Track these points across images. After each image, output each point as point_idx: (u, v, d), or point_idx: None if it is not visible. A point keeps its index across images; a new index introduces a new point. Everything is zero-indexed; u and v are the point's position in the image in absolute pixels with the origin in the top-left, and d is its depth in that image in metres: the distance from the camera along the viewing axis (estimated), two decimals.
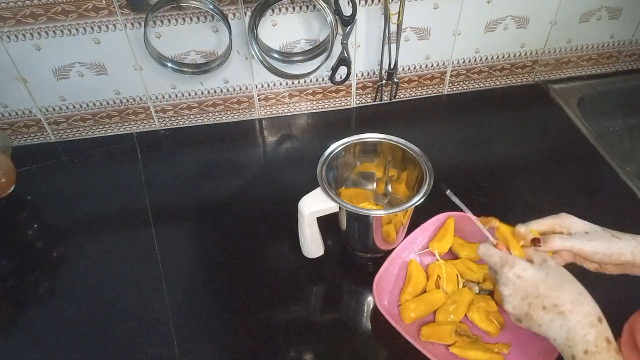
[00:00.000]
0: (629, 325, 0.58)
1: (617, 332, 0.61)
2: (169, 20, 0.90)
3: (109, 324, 0.74)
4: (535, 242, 0.59)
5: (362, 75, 1.06)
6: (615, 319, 0.58)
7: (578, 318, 0.50)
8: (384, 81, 1.06)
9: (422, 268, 0.77)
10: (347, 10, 0.89)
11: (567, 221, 0.61)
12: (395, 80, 1.05)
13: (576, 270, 0.57)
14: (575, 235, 0.59)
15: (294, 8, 0.92)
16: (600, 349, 0.49)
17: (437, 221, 0.80)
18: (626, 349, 0.57)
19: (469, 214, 0.64)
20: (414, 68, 1.08)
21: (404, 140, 0.77)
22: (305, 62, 0.99)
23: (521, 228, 0.60)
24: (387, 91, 1.10)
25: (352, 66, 1.02)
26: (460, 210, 0.65)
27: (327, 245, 0.79)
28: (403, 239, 0.77)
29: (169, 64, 0.94)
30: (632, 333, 0.57)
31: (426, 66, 1.08)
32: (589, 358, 0.49)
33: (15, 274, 0.81)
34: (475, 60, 1.10)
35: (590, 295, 0.53)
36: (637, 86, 1.18)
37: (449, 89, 1.15)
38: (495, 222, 0.63)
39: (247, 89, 1.04)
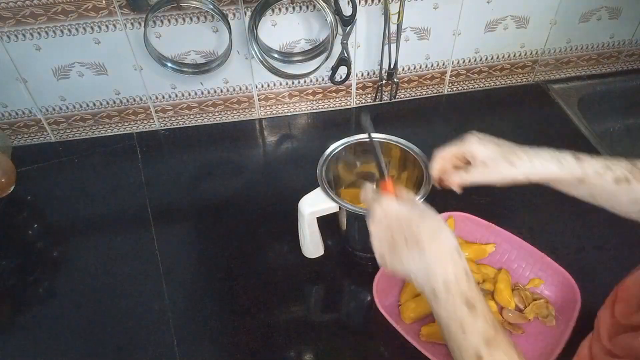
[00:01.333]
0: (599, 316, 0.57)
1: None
2: (169, 20, 0.90)
3: (109, 324, 0.74)
4: (440, 181, 0.65)
5: (362, 75, 1.06)
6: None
7: (436, 251, 0.49)
8: (384, 81, 1.06)
9: None
10: (347, 10, 0.89)
11: (470, 148, 0.63)
12: (395, 80, 1.05)
13: None
14: (472, 169, 0.62)
15: (294, 8, 0.92)
16: (460, 279, 0.47)
17: None
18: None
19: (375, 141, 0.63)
20: (414, 68, 1.08)
21: (404, 140, 0.77)
22: (305, 62, 0.99)
23: (434, 164, 0.65)
24: (387, 91, 1.10)
25: (352, 66, 1.02)
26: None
27: (327, 245, 0.79)
28: None
29: (169, 64, 0.94)
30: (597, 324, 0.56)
31: (426, 66, 1.08)
32: (450, 291, 0.47)
33: (15, 274, 0.81)
34: (475, 60, 1.10)
35: (451, 230, 0.52)
36: (637, 86, 1.18)
37: (449, 89, 1.15)
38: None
39: (247, 89, 1.04)
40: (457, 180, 0.63)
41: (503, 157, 0.61)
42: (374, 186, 0.61)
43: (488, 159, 0.61)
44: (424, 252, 0.49)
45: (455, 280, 0.47)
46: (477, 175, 0.61)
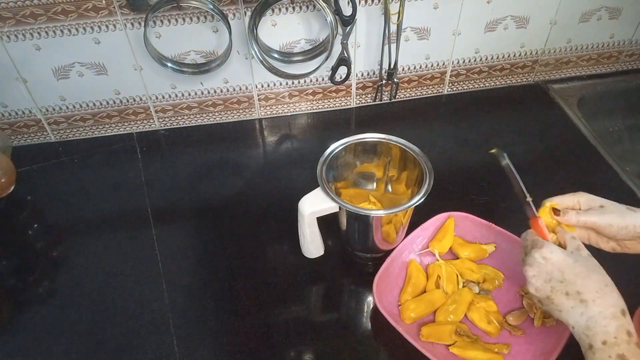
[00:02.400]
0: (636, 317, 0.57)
1: None
2: (169, 20, 0.90)
3: (109, 324, 0.74)
4: (555, 211, 0.60)
5: (362, 75, 1.06)
6: None
7: (600, 308, 0.49)
8: (384, 81, 1.06)
9: (422, 268, 0.77)
10: (347, 10, 0.89)
11: (584, 197, 0.61)
12: (395, 80, 1.05)
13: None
14: (590, 210, 0.59)
15: (294, 8, 0.92)
16: (620, 341, 0.48)
17: (437, 221, 0.80)
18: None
19: (528, 199, 0.62)
20: (414, 68, 1.08)
21: (404, 140, 0.77)
22: (305, 62, 0.99)
23: (546, 202, 0.61)
24: (387, 91, 1.10)
25: (352, 66, 1.02)
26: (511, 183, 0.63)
27: (327, 245, 0.79)
28: (403, 239, 0.77)
29: (169, 64, 0.94)
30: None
31: (426, 66, 1.08)
32: (607, 349, 0.48)
33: (15, 274, 0.81)
34: (475, 60, 1.10)
35: (617, 290, 0.51)
36: (637, 86, 1.18)
37: (449, 89, 1.15)
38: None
39: (247, 89, 1.04)
40: (573, 219, 0.59)
41: (622, 205, 0.60)
42: (533, 231, 0.60)
43: (606, 203, 0.60)
44: (587, 307, 0.50)
45: (615, 339, 0.48)
46: (596, 215, 0.59)
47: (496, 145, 0.65)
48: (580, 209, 0.61)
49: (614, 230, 0.58)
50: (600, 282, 0.51)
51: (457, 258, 0.79)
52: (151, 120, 1.05)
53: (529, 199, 0.61)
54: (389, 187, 0.83)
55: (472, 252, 0.78)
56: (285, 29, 0.95)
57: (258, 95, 1.06)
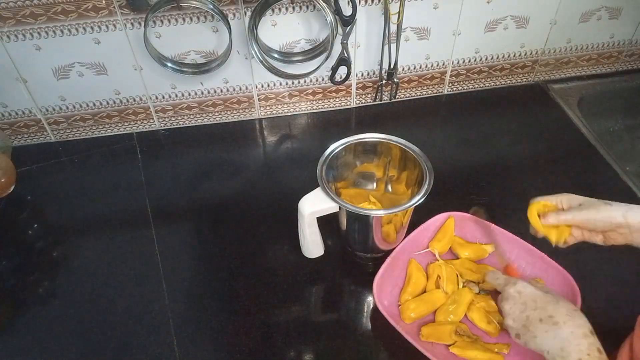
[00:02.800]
0: (629, 340, 0.58)
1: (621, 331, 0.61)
2: (169, 20, 0.90)
3: (109, 324, 0.74)
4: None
5: (362, 75, 1.06)
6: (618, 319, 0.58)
7: (572, 329, 0.53)
8: (384, 81, 1.06)
9: (422, 268, 0.77)
10: (347, 10, 0.89)
11: (566, 197, 0.66)
12: (395, 80, 1.05)
13: None
14: (570, 209, 0.64)
15: (294, 8, 0.92)
16: (593, 358, 0.51)
17: (437, 221, 0.80)
18: (638, 341, 0.57)
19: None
20: (414, 68, 1.08)
21: (404, 140, 0.77)
22: (305, 62, 0.99)
23: (532, 202, 0.67)
24: (387, 91, 1.10)
25: (352, 66, 1.02)
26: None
27: (327, 245, 0.79)
28: (403, 239, 0.77)
29: (169, 64, 0.94)
30: (630, 349, 0.57)
31: (426, 66, 1.08)
32: None
33: (15, 274, 0.81)
34: (475, 60, 1.10)
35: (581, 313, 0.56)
36: (637, 86, 1.18)
37: (449, 89, 1.15)
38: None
39: (247, 89, 1.04)
40: (553, 219, 0.64)
41: (599, 201, 0.63)
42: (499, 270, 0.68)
43: (585, 202, 0.64)
44: (560, 329, 0.53)
45: (588, 356, 0.51)
46: (573, 213, 0.63)
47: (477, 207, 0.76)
48: (563, 208, 0.65)
49: (591, 224, 0.62)
50: (568, 307, 0.56)
51: (457, 258, 0.79)
52: (151, 120, 1.05)
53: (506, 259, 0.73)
54: (389, 187, 0.83)
55: (472, 252, 0.78)
56: (285, 29, 0.95)
57: (258, 95, 1.06)
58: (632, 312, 0.60)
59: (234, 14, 0.91)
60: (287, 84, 1.04)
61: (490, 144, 1.03)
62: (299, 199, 0.70)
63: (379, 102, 1.12)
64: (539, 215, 0.66)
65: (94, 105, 1.00)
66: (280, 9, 0.92)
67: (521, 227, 0.81)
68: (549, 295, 0.57)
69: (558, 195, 0.67)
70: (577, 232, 0.65)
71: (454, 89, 1.15)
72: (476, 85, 1.15)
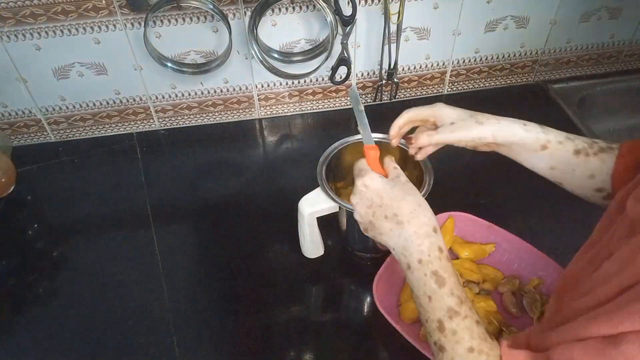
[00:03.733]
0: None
1: None
2: (169, 20, 0.90)
3: (109, 324, 0.74)
4: (408, 140, 0.67)
5: (362, 75, 1.06)
6: None
7: (414, 228, 0.52)
8: (384, 81, 1.06)
9: None
10: (347, 10, 0.89)
11: (439, 112, 0.65)
12: (395, 80, 1.05)
13: None
14: (441, 129, 0.64)
15: (294, 8, 0.92)
16: (433, 258, 0.51)
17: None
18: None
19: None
20: (414, 68, 1.08)
21: (404, 140, 0.77)
22: (305, 62, 0.99)
23: (399, 119, 0.67)
24: (387, 91, 1.10)
25: (352, 66, 1.02)
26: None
27: (327, 245, 0.79)
28: None
29: (169, 64, 0.94)
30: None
31: (426, 66, 1.08)
32: (422, 267, 0.51)
33: (15, 274, 0.81)
34: (475, 60, 1.10)
35: (430, 207, 0.55)
36: (637, 86, 1.18)
37: (449, 89, 1.15)
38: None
39: (247, 89, 1.04)
40: (425, 140, 0.64)
41: (471, 117, 0.64)
42: (365, 160, 0.63)
43: (457, 119, 0.64)
44: (403, 229, 0.53)
45: (428, 257, 0.51)
46: (445, 134, 0.63)
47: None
48: (434, 123, 0.66)
49: (463, 144, 0.63)
50: (413, 203, 0.54)
51: (457, 258, 0.79)
52: (151, 120, 1.05)
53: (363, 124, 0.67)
54: None
55: (472, 252, 0.78)
56: (285, 29, 0.95)
57: (258, 95, 1.06)
58: None
59: (234, 14, 0.91)
60: (287, 84, 1.04)
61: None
62: (299, 199, 0.70)
63: (379, 102, 1.12)
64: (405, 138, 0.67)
65: (94, 105, 1.00)
66: (280, 9, 0.92)
67: (521, 227, 0.81)
68: (395, 190, 0.56)
69: (432, 106, 0.66)
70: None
71: (454, 89, 1.15)
72: (476, 85, 1.15)
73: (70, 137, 1.05)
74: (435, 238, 0.52)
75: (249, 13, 0.90)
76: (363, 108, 0.67)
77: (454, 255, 0.79)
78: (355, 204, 0.58)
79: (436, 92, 1.14)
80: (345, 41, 0.94)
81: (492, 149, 0.64)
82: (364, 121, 0.67)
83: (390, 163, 0.62)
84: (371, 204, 0.56)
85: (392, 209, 0.54)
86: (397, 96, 1.11)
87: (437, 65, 1.09)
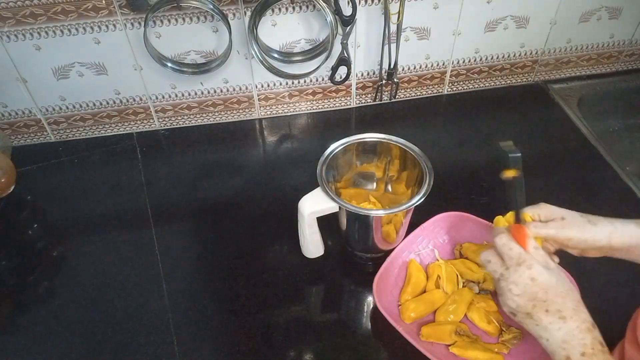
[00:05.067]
0: (632, 323, 0.58)
1: (617, 332, 0.61)
2: (169, 20, 0.90)
3: (109, 324, 0.74)
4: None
5: (362, 75, 1.06)
6: (615, 320, 0.58)
7: (577, 324, 0.53)
8: (384, 81, 1.06)
9: (422, 268, 0.77)
10: (347, 10, 0.89)
11: (544, 210, 0.62)
12: (395, 80, 1.05)
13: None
14: (551, 223, 0.61)
15: (294, 8, 0.92)
16: (597, 351, 0.51)
17: (437, 221, 0.80)
18: (630, 347, 0.57)
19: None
20: (414, 68, 1.08)
21: (404, 140, 0.77)
22: (305, 62, 0.99)
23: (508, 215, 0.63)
24: (387, 91, 1.10)
25: (352, 66, 1.02)
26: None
27: (327, 245, 0.79)
28: (403, 239, 0.77)
29: (169, 64, 0.94)
30: (634, 330, 0.57)
31: (426, 66, 1.08)
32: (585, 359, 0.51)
33: (15, 274, 0.81)
34: (475, 60, 1.10)
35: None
36: (637, 86, 1.18)
37: (449, 89, 1.15)
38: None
39: (247, 89, 1.04)
40: (532, 231, 0.59)
41: (582, 216, 0.61)
42: (518, 245, 0.57)
43: (567, 215, 0.61)
44: (565, 323, 0.53)
45: (592, 350, 0.51)
46: (557, 230, 0.60)
47: (507, 140, 0.62)
48: (540, 221, 0.62)
49: (573, 242, 0.60)
50: (575, 300, 0.55)
51: (457, 258, 0.79)
52: (151, 120, 1.05)
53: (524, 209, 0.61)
54: (389, 187, 0.83)
55: (475, 256, 0.77)
56: (285, 29, 0.95)
57: (258, 95, 1.06)
58: (631, 312, 0.60)
59: (234, 14, 0.91)
60: (287, 84, 1.04)
61: (490, 144, 1.03)
62: (299, 199, 0.70)
63: (379, 102, 1.12)
64: (508, 229, 0.60)
65: (94, 105, 1.00)
66: (280, 9, 0.92)
67: None
68: (559, 286, 0.55)
69: (535, 206, 0.63)
70: (552, 245, 0.62)
71: (454, 89, 1.15)
72: (476, 85, 1.15)
73: (70, 137, 1.05)
74: (596, 333, 0.53)
75: (249, 13, 0.90)
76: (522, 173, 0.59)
77: (453, 255, 0.79)
78: (516, 294, 0.56)
79: (436, 92, 1.14)
80: (345, 41, 0.94)
81: (604, 253, 0.61)
82: (522, 190, 0.60)
83: (530, 243, 0.58)
84: (534, 298, 0.55)
85: (556, 305, 0.54)
86: (397, 96, 1.11)
87: (437, 65, 1.09)
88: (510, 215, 0.63)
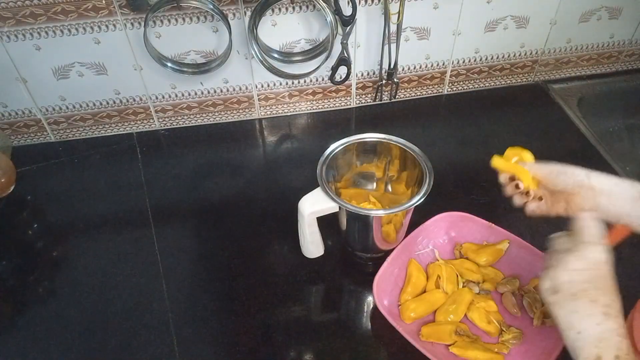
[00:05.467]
0: (628, 324, 0.58)
1: None
2: (169, 20, 0.90)
3: (109, 324, 0.74)
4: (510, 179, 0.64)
5: (362, 75, 1.06)
6: None
7: (618, 326, 0.51)
8: (383, 81, 1.06)
9: (422, 268, 0.77)
10: (347, 10, 0.89)
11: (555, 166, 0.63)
12: (395, 80, 1.05)
13: None
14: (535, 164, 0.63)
15: (294, 8, 0.92)
16: (631, 357, 0.49)
17: (437, 221, 0.80)
18: None
19: None
20: (414, 68, 1.08)
21: (404, 140, 0.77)
22: (305, 62, 0.99)
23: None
24: (387, 91, 1.10)
25: (352, 66, 1.02)
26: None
27: (327, 245, 0.79)
28: (403, 239, 0.77)
29: (169, 64, 0.94)
30: (630, 332, 0.57)
31: (426, 66, 1.08)
32: None
33: (15, 274, 0.81)
34: (475, 60, 1.10)
35: None
36: (637, 86, 1.18)
37: (449, 89, 1.15)
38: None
39: (247, 88, 1.04)
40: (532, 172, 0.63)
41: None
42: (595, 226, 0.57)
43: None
44: (608, 320, 0.50)
45: (627, 356, 0.49)
46: (540, 166, 0.63)
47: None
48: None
49: (553, 176, 0.61)
50: (620, 303, 0.52)
51: (458, 258, 0.79)
52: (151, 120, 1.05)
53: None
54: (389, 187, 0.83)
55: (489, 256, 0.77)
56: (285, 29, 0.95)
57: (258, 95, 1.06)
58: (627, 314, 0.59)
59: (234, 14, 0.91)
60: (287, 84, 1.04)
61: (491, 144, 1.03)
62: (299, 199, 0.70)
63: (379, 102, 1.12)
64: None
65: (94, 105, 1.00)
66: (280, 9, 0.92)
67: (521, 227, 0.81)
68: (613, 285, 0.53)
69: (548, 164, 0.64)
70: (543, 197, 0.63)
71: (454, 89, 1.15)
72: (476, 85, 1.15)
73: (70, 137, 1.05)
74: (629, 341, 0.51)
75: (249, 13, 0.90)
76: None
77: (453, 255, 0.79)
78: (577, 268, 0.53)
79: (436, 92, 1.14)
80: (345, 41, 0.94)
81: (590, 206, 0.60)
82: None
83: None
84: (590, 280, 0.52)
85: (607, 299, 0.51)
86: (397, 96, 1.11)
87: (437, 65, 1.09)
88: (508, 151, 0.65)
